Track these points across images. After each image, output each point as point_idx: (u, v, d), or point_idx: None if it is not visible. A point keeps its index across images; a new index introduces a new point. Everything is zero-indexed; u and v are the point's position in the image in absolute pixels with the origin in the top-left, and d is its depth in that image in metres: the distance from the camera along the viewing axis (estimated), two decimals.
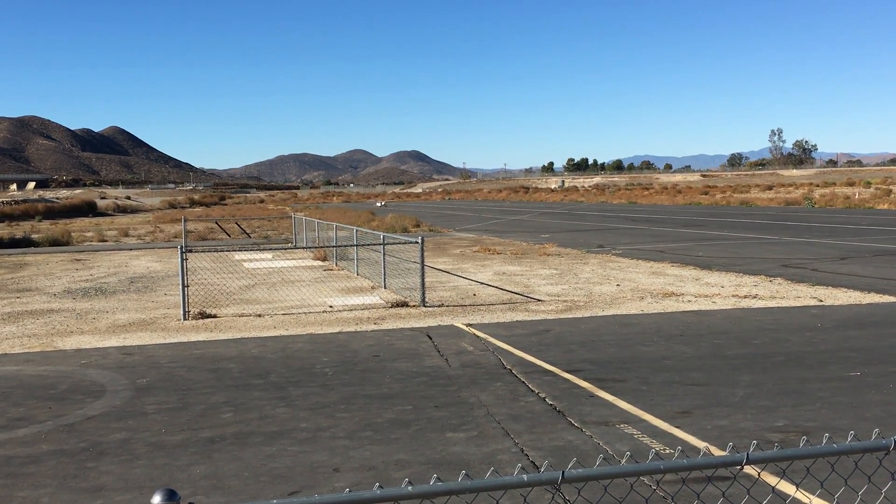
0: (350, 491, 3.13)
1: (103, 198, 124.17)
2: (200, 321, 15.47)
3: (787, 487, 5.77)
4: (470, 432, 8.16)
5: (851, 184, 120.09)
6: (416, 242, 17.34)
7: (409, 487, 3.17)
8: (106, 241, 40.36)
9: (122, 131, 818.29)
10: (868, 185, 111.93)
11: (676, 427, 8.12)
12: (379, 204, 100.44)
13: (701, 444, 7.55)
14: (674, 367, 10.82)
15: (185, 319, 15.61)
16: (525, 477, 3.27)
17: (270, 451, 7.76)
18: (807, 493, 5.49)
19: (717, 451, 7.35)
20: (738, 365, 10.83)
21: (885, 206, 63.97)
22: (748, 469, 3.47)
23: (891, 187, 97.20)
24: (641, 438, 7.81)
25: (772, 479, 5.51)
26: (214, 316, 15.93)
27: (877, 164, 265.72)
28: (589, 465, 7.13)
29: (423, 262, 17.11)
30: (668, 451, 7.38)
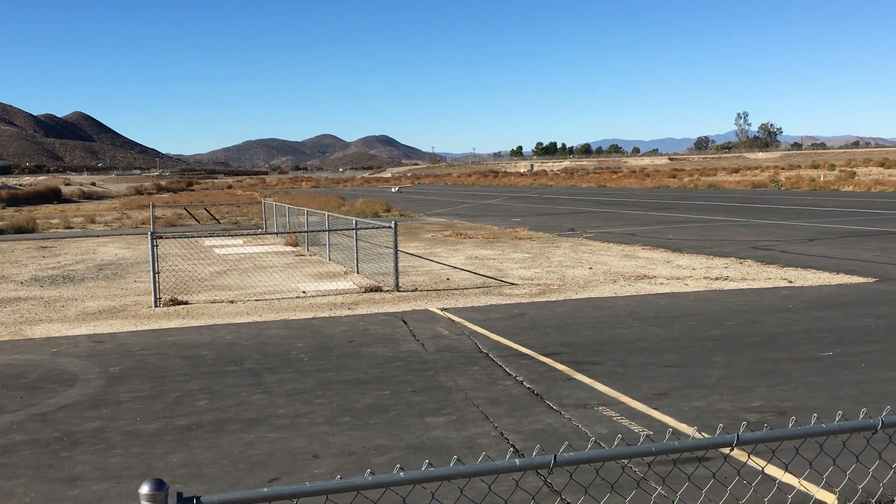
0: (341, 478, 3.10)
1: (68, 184, 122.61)
2: (172, 308, 15.31)
3: (769, 469, 5.82)
4: (449, 416, 8.14)
5: (816, 166, 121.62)
6: (390, 227, 17.28)
7: (402, 473, 3.14)
8: (72, 227, 39.83)
9: (87, 117, 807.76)
10: (832, 167, 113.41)
11: (654, 409, 8.16)
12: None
13: (679, 426, 7.59)
14: (649, 349, 10.87)
15: (156, 306, 15.44)
16: (517, 461, 3.25)
17: (248, 438, 7.69)
18: (793, 475, 5.54)
19: (689, 431, 7.41)
20: (712, 346, 10.91)
21: (850, 189, 64.82)
22: (730, 449, 3.48)
23: (854, 170, 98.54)
24: (620, 420, 7.84)
25: (747, 458, 5.54)
26: (186, 303, 15.77)
27: (840, 147, 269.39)
28: (569, 448, 7.15)
29: (396, 246, 17.05)
30: (647, 433, 7.41)
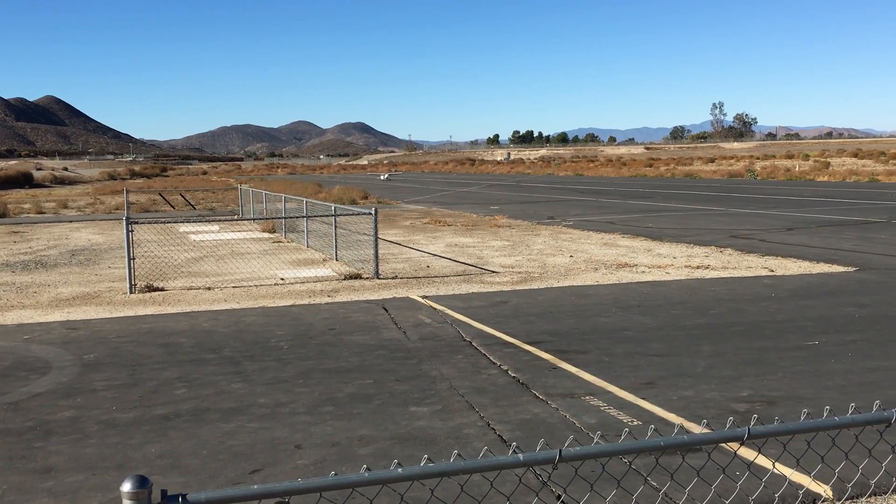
0: (336, 474, 2.93)
1: (39, 169, 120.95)
2: (148, 294, 15.02)
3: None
4: (434, 406, 7.98)
5: (790, 157, 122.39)
6: (370, 214, 17.05)
7: (399, 469, 2.98)
8: (44, 212, 39.20)
9: (59, 101, 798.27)
10: (807, 157, 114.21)
11: (642, 398, 8.04)
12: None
13: (668, 415, 7.48)
14: (634, 337, 10.76)
15: (131, 293, 15.15)
16: (521, 456, 3.10)
17: (228, 427, 7.49)
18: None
19: (684, 422, 7.29)
20: (697, 335, 10.82)
21: (825, 178, 65.26)
22: (739, 443, 3.33)
23: (828, 160, 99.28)
24: (608, 410, 7.71)
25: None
26: (162, 289, 15.49)
27: (814, 138, 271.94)
28: (558, 438, 7.02)
29: (376, 233, 16.84)
30: (636, 423, 7.29)
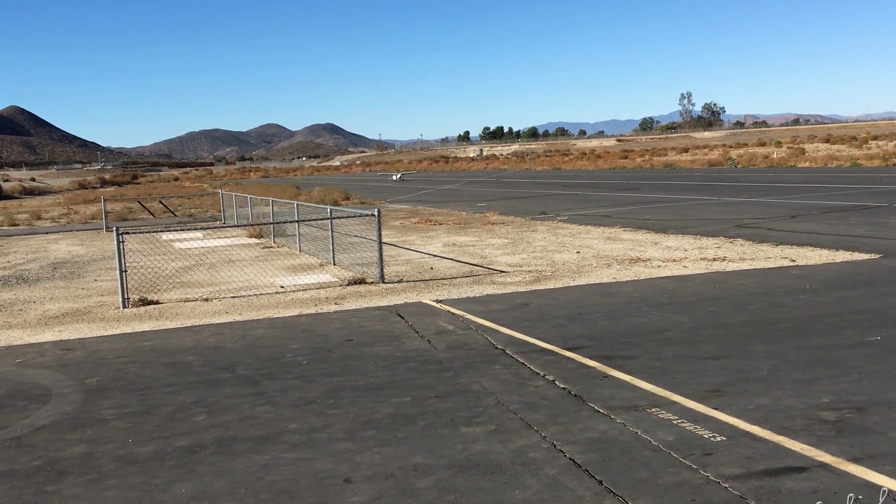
0: None
1: (6, 180, 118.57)
2: (142, 308, 14.12)
3: None
4: (487, 426, 7.21)
5: (762, 144, 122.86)
6: (372, 215, 16.20)
7: None
8: (17, 224, 37.90)
9: (23, 111, 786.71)
10: (779, 144, 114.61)
11: (715, 409, 7.30)
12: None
13: (752, 429, 6.75)
14: (679, 339, 10.03)
15: (124, 307, 14.24)
16: None
17: (263, 459, 6.69)
18: None
19: (770, 435, 6.58)
20: (746, 334, 10.10)
21: (806, 164, 65.13)
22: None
23: (802, 146, 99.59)
24: (682, 424, 6.96)
25: None
26: (157, 302, 14.58)
27: (781, 125, 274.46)
28: (638, 460, 6.23)
29: (380, 235, 16.00)
30: (719, 439, 6.56)
